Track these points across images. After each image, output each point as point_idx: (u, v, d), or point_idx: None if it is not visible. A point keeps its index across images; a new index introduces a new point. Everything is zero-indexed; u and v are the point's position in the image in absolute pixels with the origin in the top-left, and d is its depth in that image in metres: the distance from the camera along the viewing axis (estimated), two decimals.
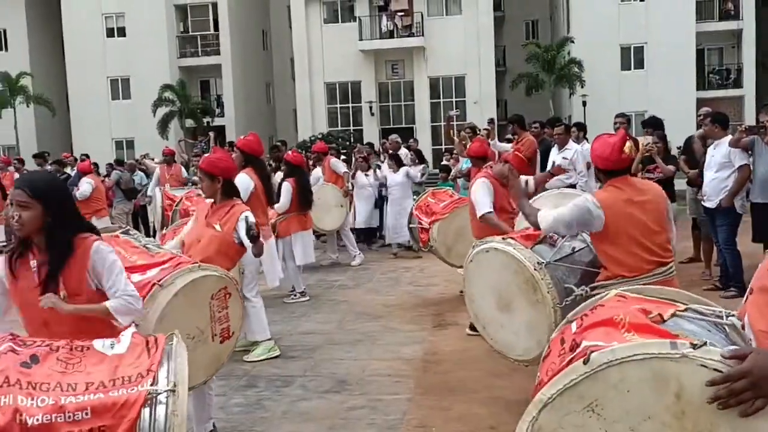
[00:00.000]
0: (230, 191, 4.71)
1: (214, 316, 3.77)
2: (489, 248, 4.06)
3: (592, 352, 1.85)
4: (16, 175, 12.53)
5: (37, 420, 2.10)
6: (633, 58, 29.24)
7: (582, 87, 27.36)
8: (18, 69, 30.49)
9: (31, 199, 2.73)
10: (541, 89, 28.23)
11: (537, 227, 3.76)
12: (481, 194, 5.59)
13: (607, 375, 1.78)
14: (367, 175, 11.60)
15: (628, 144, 3.51)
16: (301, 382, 5.21)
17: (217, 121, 31.38)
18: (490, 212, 5.50)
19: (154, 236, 9.78)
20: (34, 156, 16.72)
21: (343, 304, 7.85)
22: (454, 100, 29.84)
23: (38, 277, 2.77)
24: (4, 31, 33.51)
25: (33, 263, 2.79)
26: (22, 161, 15.63)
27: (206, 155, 5.72)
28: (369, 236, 12.10)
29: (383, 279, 9.25)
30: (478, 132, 9.97)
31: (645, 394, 1.76)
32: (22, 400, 2.13)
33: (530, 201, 5.16)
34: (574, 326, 2.18)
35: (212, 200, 4.72)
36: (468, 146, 8.14)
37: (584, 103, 26.98)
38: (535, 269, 3.71)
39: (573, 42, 27.88)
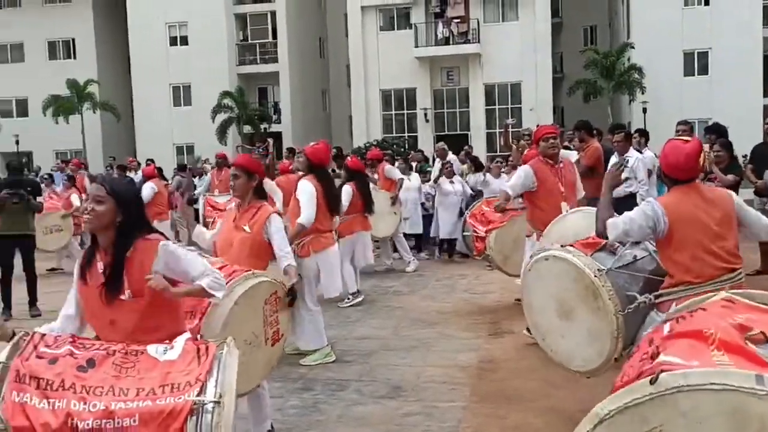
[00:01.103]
0: (260, 193, 4.73)
1: (266, 320, 3.83)
2: (548, 256, 4.00)
3: (663, 371, 1.65)
4: (86, 180, 13.01)
5: (87, 425, 2.19)
6: (697, 63, 28.49)
7: (642, 93, 26.75)
8: (85, 76, 31.73)
9: (108, 195, 2.80)
10: (599, 96, 27.74)
11: (601, 235, 3.62)
12: (514, 177, 6.08)
13: (677, 400, 1.57)
14: (452, 182, 11.15)
15: (703, 154, 3.36)
16: (356, 386, 5.24)
17: (274, 128, 31.87)
18: (508, 195, 5.95)
19: None
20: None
21: (398, 310, 7.86)
22: (509, 107, 29.61)
23: (105, 278, 2.80)
24: (73, 40, 34.88)
25: (100, 265, 2.84)
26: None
27: (248, 156, 5.71)
28: (452, 246, 11.27)
29: (438, 285, 9.22)
30: None
31: (720, 428, 1.53)
32: (75, 404, 2.22)
33: (578, 211, 5.09)
34: (666, 328, 1.98)
35: (240, 201, 4.68)
36: (525, 153, 8.06)
37: (644, 110, 26.39)
38: (595, 276, 3.64)
39: (633, 48, 27.34)
